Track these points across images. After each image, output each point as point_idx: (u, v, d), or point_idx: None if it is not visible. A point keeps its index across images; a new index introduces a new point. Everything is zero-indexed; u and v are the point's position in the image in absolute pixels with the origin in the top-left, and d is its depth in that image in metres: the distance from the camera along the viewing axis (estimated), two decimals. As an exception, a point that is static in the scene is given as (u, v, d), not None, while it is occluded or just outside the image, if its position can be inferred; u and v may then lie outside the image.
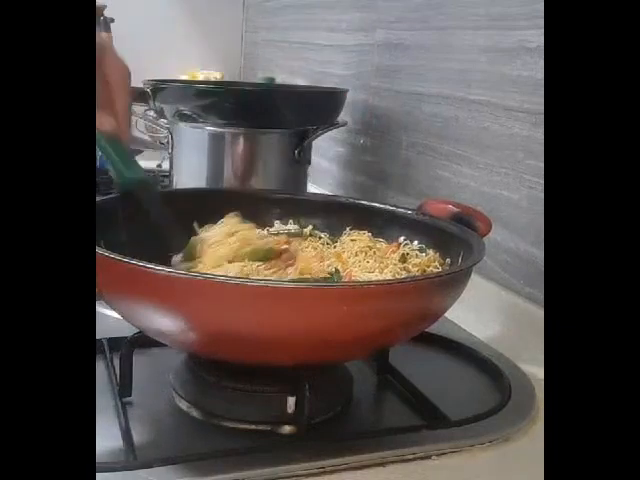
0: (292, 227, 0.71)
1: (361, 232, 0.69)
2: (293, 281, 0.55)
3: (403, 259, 0.65)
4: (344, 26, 1.17)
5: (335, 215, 0.72)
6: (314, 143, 0.97)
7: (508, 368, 0.65)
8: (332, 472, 0.49)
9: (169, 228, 0.63)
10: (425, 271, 0.62)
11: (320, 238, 0.70)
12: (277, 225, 0.72)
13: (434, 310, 0.54)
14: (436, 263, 0.64)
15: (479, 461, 0.52)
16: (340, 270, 0.63)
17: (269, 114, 0.92)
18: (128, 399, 0.57)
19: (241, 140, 0.94)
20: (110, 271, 0.50)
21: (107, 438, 0.51)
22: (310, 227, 0.72)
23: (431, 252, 0.65)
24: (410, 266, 0.63)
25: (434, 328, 0.59)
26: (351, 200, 0.75)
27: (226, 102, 0.91)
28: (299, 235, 0.70)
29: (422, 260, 0.64)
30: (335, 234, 0.71)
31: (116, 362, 0.59)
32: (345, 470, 0.49)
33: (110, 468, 0.46)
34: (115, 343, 0.62)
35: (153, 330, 0.53)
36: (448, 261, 0.63)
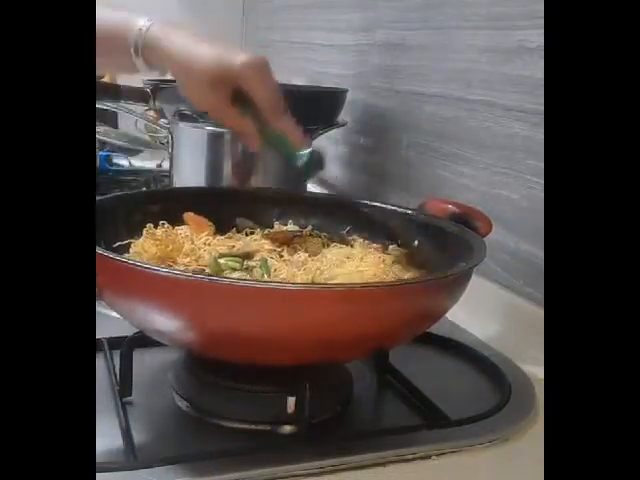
0: (291, 227, 0.71)
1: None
2: (290, 283, 0.54)
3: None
4: (344, 26, 1.17)
5: (335, 215, 0.72)
6: (314, 143, 0.97)
7: (508, 368, 0.65)
8: (332, 472, 0.49)
9: None
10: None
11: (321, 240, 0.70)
12: (277, 226, 0.72)
13: (434, 311, 0.54)
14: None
15: (479, 461, 0.52)
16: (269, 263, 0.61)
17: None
18: (128, 399, 0.57)
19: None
20: (110, 271, 0.50)
21: (107, 438, 0.51)
22: (310, 227, 0.71)
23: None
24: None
25: (434, 328, 0.59)
26: (351, 200, 0.75)
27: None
28: (299, 235, 0.70)
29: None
30: (334, 234, 0.71)
31: (116, 362, 0.59)
32: (345, 470, 0.49)
33: (110, 468, 0.46)
34: (115, 343, 0.62)
35: (153, 330, 0.53)
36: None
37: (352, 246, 0.67)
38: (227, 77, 0.63)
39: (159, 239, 0.61)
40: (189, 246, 0.63)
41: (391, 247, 0.67)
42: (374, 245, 0.67)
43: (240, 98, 0.64)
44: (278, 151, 0.70)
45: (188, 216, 0.67)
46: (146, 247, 0.61)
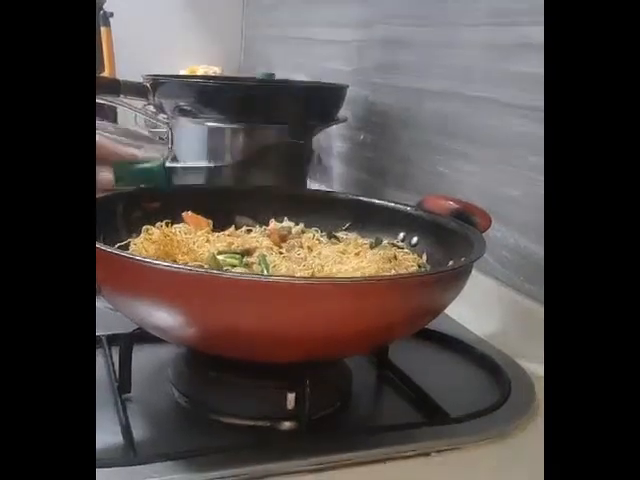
0: (287, 224, 0.71)
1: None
2: (294, 277, 0.54)
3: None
4: (344, 21, 1.17)
5: (334, 212, 0.72)
6: (314, 139, 0.97)
7: (508, 365, 0.65)
8: (331, 468, 0.49)
9: None
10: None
11: (313, 236, 0.70)
12: (272, 223, 0.72)
13: (434, 306, 0.54)
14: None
15: (479, 457, 0.52)
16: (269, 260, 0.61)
17: (269, 110, 0.91)
18: (127, 395, 0.57)
19: (241, 136, 0.93)
20: (110, 266, 0.50)
21: (107, 434, 0.51)
22: (302, 224, 0.71)
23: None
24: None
25: (434, 324, 0.59)
26: (351, 196, 0.74)
27: (226, 97, 0.91)
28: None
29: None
30: (334, 231, 0.70)
31: (115, 358, 0.59)
32: (344, 466, 0.49)
33: (110, 464, 0.46)
34: (114, 339, 0.62)
35: (152, 326, 0.53)
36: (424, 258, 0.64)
37: (339, 241, 0.67)
38: None
39: (157, 240, 0.61)
40: (188, 244, 0.63)
41: (383, 243, 0.67)
42: (364, 240, 0.67)
43: None
44: (139, 179, 0.67)
45: (187, 215, 0.67)
46: (145, 246, 0.61)
